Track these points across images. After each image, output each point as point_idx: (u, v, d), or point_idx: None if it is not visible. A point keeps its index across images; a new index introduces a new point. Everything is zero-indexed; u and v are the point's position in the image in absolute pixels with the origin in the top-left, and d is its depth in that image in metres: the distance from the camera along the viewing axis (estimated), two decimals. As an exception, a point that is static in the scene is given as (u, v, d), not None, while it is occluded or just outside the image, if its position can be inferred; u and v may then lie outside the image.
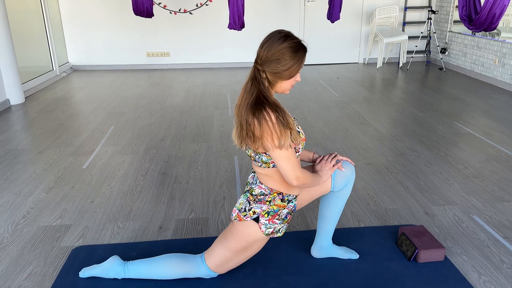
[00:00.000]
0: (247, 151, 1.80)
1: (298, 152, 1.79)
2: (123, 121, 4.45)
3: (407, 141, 3.82)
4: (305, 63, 8.04)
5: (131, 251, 2.22)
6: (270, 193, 1.82)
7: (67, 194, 2.88)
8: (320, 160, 1.94)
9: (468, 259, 2.17)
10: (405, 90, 5.65)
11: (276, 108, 1.65)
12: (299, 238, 2.33)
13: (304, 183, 1.76)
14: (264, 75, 1.69)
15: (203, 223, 2.52)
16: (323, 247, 2.14)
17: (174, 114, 4.67)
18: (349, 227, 2.47)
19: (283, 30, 1.72)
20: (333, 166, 1.91)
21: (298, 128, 1.80)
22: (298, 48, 1.68)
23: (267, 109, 1.64)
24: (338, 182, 1.93)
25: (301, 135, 1.79)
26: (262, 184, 1.83)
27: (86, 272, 2.01)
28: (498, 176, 3.12)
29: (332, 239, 2.26)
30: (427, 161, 3.38)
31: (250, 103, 1.66)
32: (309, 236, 2.31)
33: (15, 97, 5.06)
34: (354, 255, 2.16)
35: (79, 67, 7.17)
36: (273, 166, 1.77)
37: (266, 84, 1.70)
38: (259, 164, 1.79)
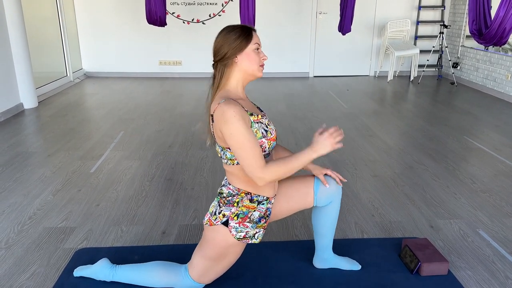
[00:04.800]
0: (216, 148, 1.80)
1: (265, 151, 1.72)
2: (133, 127, 4.50)
3: (415, 154, 3.79)
4: (315, 75, 8.03)
5: (133, 255, 2.23)
6: (237, 194, 1.77)
7: (74, 197, 2.92)
8: (322, 132, 1.71)
9: (473, 274, 2.13)
10: (415, 104, 5.63)
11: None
12: (301, 247, 2.32)
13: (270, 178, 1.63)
14: (220, 68, 1.74)
15: (206, 230, 2.53)
16: (325, 258, 2.12)
17: (183, 122, 4.71)
18: (352, 238, 2.45)
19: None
20: (335, 144, 1.67)
21: (267, 126, 1.74)
22: (234, 28, 1.74)
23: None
24: (321, 198, 1.88)
25: (269, 134, 1.73)
26: (230, 184, 1.80)
27: (79, 272, 2.03)
28: (507, 191, 3.07)
29: (334, 250, 2.24)
30: (434, 174, 3.35)
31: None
32: (311, 245, 2.29)
33: (28, 102, 5.16)
34: (356, 266, 2.14)
35: (92, 74, 7.29)
36: (237, 163, 1.73)
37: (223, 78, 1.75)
38: (225, 161, 1.77)
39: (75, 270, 2.05)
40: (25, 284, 2.03)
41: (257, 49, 1.75)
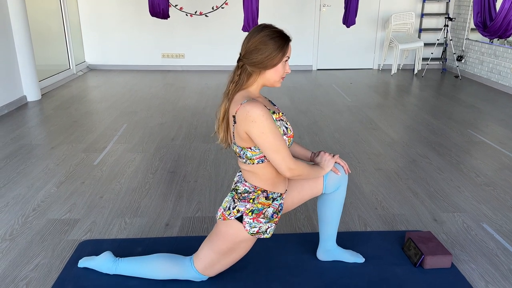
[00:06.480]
0: (232, 147, 1.81)
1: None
2: (136, 120, 4.50)
3: (419, 147, 3.78)
4: (318, 68, 8.01)
5: (137, 247, 2.24)
6: (254, 191, 1.79)
7: (77, 189, 2.92)
8: (319, 153, 1.94)
9: (476, 267, 2.13)
10: (419, 97, 5.60)
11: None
12: (304, 240, 2.33)
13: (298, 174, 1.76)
14: (245, 70, 1.72)
15: (209, 222, 2.53)
16: (328, 250, 2.13)
17: (186, 115, 4.71)
18: (355, 231, 2.45)
19: (264, 23, 1.75)
20: (333, 156, 1.91)
21: (287, 124, 1.79)
22: (275, 36, 1.68)
23: None
24: (329, 184, 1.92)
25: (289, 131, 1.78)
26: (246, 181, 1.82)
27: (83, 262, 2.05)
28: (511, 185, 3.06)
29: (338, 242, 2.24)
30: (438, 168, 3.34)
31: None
32: (315, 238, 2.30)
33: (32, 94, 5.16)
34: (360, 259, 2.15)
35: (95, 67, 7.28)
36: (258, 163, 1.75)
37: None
38: (244, 160, 1.77)
39: (80, 260, 2.07)
40: (29, 275, 2.04)
41: (286, 61, 1.73)
